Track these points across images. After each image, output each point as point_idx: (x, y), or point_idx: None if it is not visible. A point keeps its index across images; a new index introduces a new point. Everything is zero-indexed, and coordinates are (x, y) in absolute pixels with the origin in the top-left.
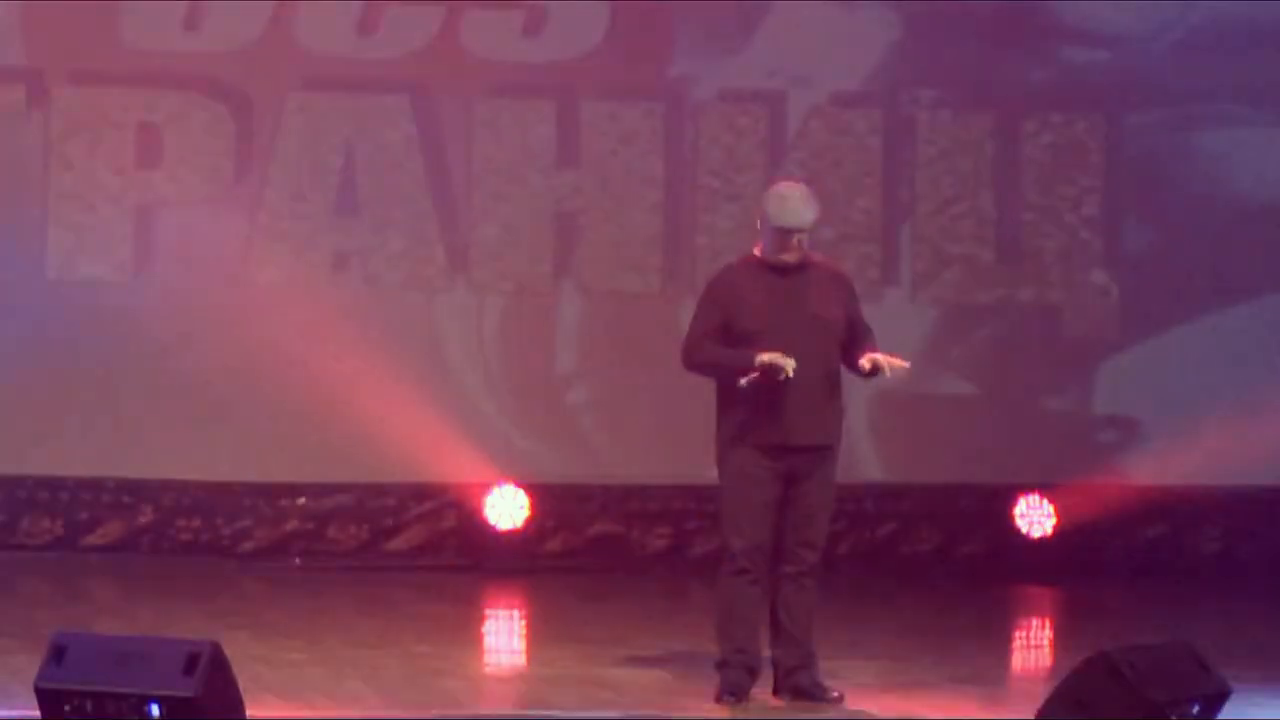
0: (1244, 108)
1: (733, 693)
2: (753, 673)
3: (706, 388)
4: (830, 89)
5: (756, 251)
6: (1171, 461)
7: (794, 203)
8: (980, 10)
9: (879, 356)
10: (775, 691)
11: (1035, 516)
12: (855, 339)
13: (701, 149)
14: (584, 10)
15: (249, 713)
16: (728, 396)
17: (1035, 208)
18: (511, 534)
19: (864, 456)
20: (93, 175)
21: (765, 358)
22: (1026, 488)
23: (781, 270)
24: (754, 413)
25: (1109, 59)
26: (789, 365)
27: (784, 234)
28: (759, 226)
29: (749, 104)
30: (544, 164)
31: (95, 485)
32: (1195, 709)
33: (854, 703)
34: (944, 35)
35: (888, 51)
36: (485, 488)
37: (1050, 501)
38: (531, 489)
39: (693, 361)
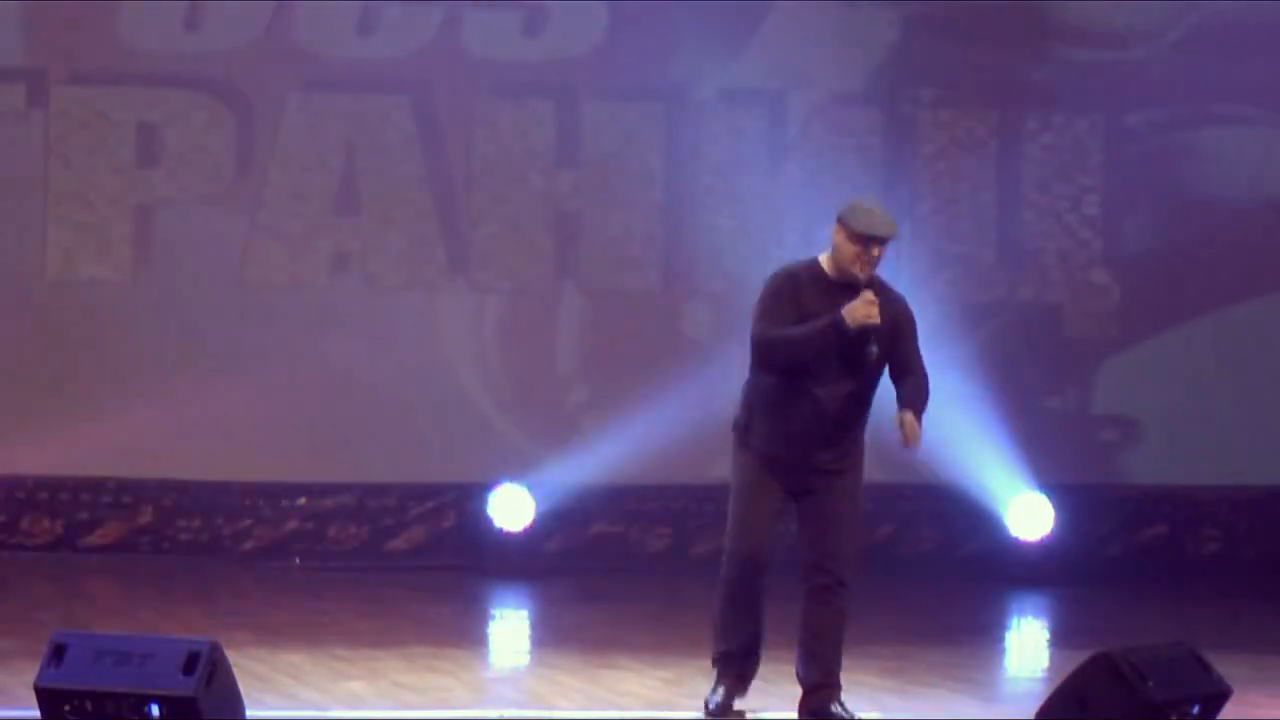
0: (1244, 108)
1: (719, 704)
2: (741, 678)
3: (706, 388)
4: (830, 89)
5: (821, 260)
6: (1171, 461)
7: (880, 215)
8: (980, 10)
9: (907, 423)
10: (800, 709)
11: (1035, 516)
12: (899, 375)
13: (701, 149)
14: (584, 10)
15: (249, 713)
16: (756, 393)
17: (1035, 208)
18: (512, 534)
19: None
20: (93, 175)
21: (854, 315)
22: (1026, 488)
23: (844, 287)
24: (770, 422)
25: (1109, 59)
26: (870, 308)
27: (864, 243)
28: (833, 239)
29: (749, 104)
30: (544, 164)
31: (95, 485)
32: (1195, 709)
33: (854, 703)
34: (944, 35)
35: (888, 51)
36: (486, 488)
37: (1050, 501)
38: (532, 489)
39: (766, 342)
